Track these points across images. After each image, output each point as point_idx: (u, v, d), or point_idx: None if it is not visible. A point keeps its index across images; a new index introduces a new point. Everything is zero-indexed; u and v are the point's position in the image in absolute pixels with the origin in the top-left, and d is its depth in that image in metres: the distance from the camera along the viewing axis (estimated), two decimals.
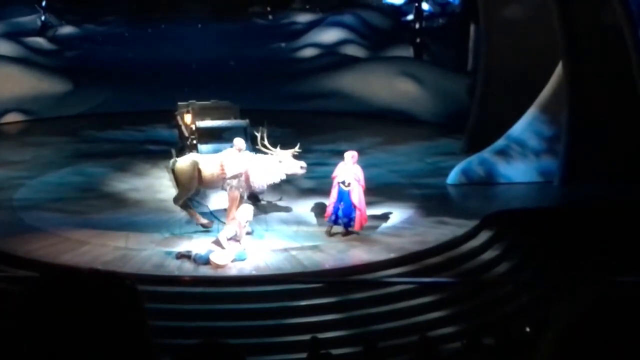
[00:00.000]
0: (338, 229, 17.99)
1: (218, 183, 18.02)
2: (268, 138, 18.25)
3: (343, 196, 17.70)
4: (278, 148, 18.19)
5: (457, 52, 31.35)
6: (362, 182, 17.82)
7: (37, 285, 2.97)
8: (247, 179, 17.86)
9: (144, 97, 28.61)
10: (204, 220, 18.10)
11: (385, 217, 19.06)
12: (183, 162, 18.12)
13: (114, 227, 18.41)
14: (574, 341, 2.73)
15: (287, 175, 18.15)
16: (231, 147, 18.24)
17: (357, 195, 17.65)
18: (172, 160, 18.71)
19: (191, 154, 19.33)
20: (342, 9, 34.51)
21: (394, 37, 33.42)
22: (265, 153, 18.16)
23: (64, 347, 2.86)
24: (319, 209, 19.30)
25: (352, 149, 18.91)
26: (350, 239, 17.82)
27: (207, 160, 18.08)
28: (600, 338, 2.71)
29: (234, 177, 17.74)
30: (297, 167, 18.01)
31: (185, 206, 18.20)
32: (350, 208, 17.69)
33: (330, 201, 17.93)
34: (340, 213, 17.76)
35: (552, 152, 21.91)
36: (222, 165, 17.81)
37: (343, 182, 17.73)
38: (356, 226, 17.85)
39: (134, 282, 3.10)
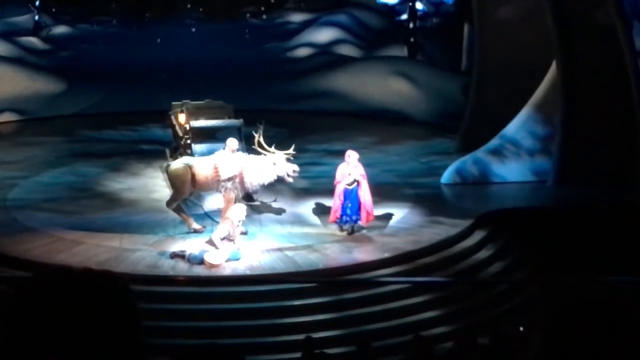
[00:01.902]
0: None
1: (213, 186, 17.94)
2: (263, 138, 18.22)
3: (350, 195, 17.72)
4: (273, 147, 18.16)
5: (451, 51, 31.36)
6: (366, 178, 17.94)
7: (30, 284, 2.98)
8: (242, 180, 17.80)
9: (138, 97, 28.58)
10: (197, 225, 18.00)
11: (379, 216, 19.06)
12: (176, 166, 18.02)
13: (108, 227, 18.40)
14: (560, 339, 2.75)
15: (278, 177, 18.04)
16: (224, 148, 18.21)
17: (367, 192, 17.72)
18: (165, 164, 18.67)
19: (184, 157, 19.23)
20: (336, 8, 34.55)
21: (388, 36, 33.43)
22: (260, 153, 18.11)
23: (56, 345, 2.86)
24: (314, 209, 19.31)
25: (346, 148, 18.92)
26: (345, 239, 17.83)
27: (200, 163, 17.98)
28: (584, 337, 2.73)
29: (229, 179, 17.69)
30: (290, 171, 17.88)
31: (178, 210, 18.13)
32: (358, 205, 17.73)
33: (336, 205, 17.84)
34: (349, 211, 17.79)
35: (546, 151, 21.93)
36: (216, 168, 17.73)
37: (353, 182, 17.77)
38: (362, 220, 17.88)
39: (127, 281, 3.10)
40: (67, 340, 2.88)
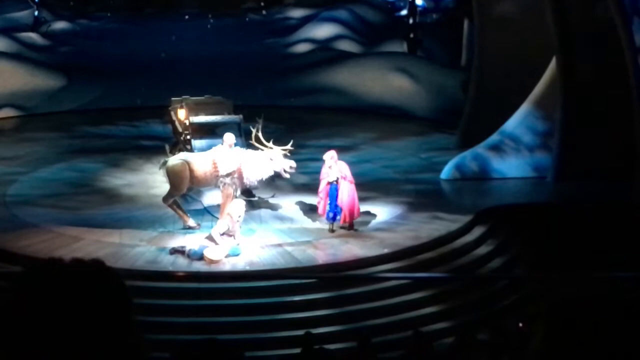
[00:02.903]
0: (337, 225, 17.99)
1: (211, 181, 17.90)
2: (262, 133, 18.19)
3: (333, 193, 17.68)
4: (271, 143, 18.14)
5: (450, 47, 31.37)
6: (350, 177, 17.81)
7: (22, 277, 2.97)
8: (240, 176, 17.78)
9: (137, 93, 28.58)
10: (192, 223, 17.90)
11: (378, 212, 19.06)
12: (174, 162, 17.95)
13: (108, 223, 18.40)
14: (559, 335, 2.76)
15: (275, 172, 18.02)
16: (222, 143, 18.18)
17: (344, 192, 17.65)
18: (162, 161, 18.61)
19: (182, 153, 19.21)
20: (336, 4, 34.58)
21: (387, 32, 33.45)
22: (258, 148, 18.09)
23: (48, 337, 2.86)
24: (313, 205, 19.28)
25: (346, 144, 18.89)
26: (344, 234, 17.83)
27: (198, 159, 17.94)
28: (583, 332, 2.74)
29: (228, 174, 17.66)
30: (287, 167, 17.85)
31: (174, 206, 18.06)
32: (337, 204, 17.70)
33: (320, 198, 17.86)
34: (338, 209, 17.75)
35: (546, 147, 21.92)
36: (214, 163, 17.70)
37: (336, 180, 17.74)
38: (345, 220, 17.81)
39: (118, 270, 3.10)
40: (59, 331, 2.88)
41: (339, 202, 17.64)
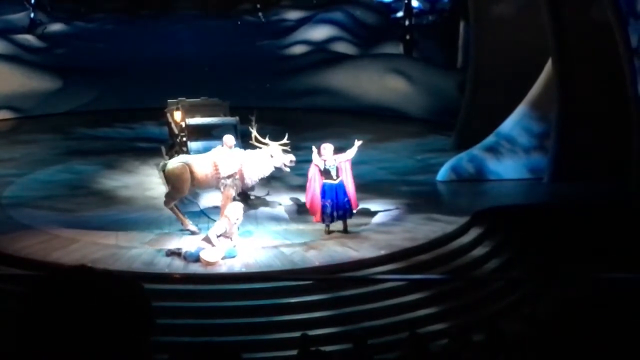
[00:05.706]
0: (333, 226, 17.98)
1: (212, 183, 17.84)
2: (257, 131, 18.15)
3: (337, 191, 17.62)
4: (267, 138, 18.11)
5: (446, 49, 31.41)
6: (348, 167, 17.77)
7: (49, 281, 2.98)
8: (242, 176, 17.78)
9: (133, 95, 28.58)
10: (192, 227, 17.80)
11: (374, 214, 19.06)
12: (174, 165, 17.84)
13: (104, 225, 18.39)
14: (560, 336, 2.76)
15: (275, 167, 18.04)
16: (221, 144, 18.19)
17: (349, 180, 17.66)
18: (161, 163, 18.57)
19: (181, 155, 19.15)
20: (332, 6, 34.61)
21: (383, 34, 33.49)
22: (258, 146, 18.07)
23: (72, 340, 2.86)
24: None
25: (342, 146, 18.83)
26: (341, 236, 17.81)
27: (199, 161, 17.86)
28: (584, 333, 2.74)
29: (229, 176, 17.63)
30: (287, 161, 17.88)
31: (175, 209, 18.02)
32: (344, 200, 17.64)
33: (315, 204, 17.79)
34: (348, 203, 17.69)
35: (542, 148, 21.94)
36: (215, 165, 17.65)
37: (329, 175, 17.64)
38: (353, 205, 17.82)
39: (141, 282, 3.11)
40: (84, 336, 2.89)
41: (347, 192, 17.61)
